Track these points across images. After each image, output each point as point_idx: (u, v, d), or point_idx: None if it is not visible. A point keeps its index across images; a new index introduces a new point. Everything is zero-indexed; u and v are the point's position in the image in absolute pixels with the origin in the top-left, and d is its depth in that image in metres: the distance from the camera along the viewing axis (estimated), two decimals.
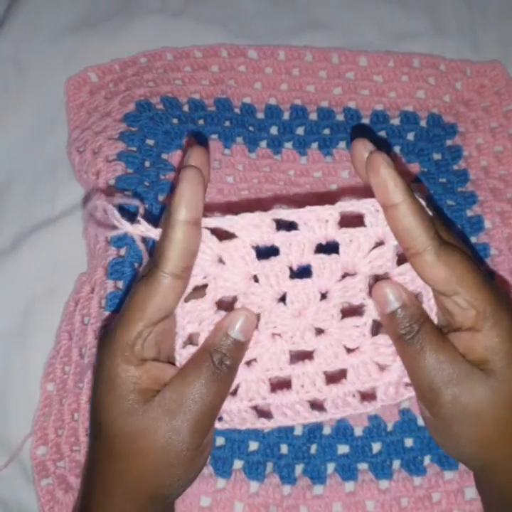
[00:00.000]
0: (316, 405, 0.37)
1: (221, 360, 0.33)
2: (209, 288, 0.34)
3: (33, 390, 0.51)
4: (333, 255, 0.34)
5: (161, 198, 0.55)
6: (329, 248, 0.34)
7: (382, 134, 0.59)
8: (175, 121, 0.58)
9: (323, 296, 0.35)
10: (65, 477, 0.49)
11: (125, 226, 0.32)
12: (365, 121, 0.59)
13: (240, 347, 0.34)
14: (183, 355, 0.35)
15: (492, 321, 0.33)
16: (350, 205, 0.33)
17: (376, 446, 0.50)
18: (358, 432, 0.51)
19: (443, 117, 0.59)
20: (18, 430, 0.51)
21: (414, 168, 0.57)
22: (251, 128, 0.59)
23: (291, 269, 0.34)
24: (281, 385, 0.37)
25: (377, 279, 0.36)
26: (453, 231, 0.37)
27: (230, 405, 0.36)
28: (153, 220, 0.33)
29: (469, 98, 0.60)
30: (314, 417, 0.36)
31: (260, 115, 0.60)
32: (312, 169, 0.57)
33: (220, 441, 0.50)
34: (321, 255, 0.34)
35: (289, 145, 0.59)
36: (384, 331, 0.36)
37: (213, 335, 0.35)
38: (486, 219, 0.55)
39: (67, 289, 0.54)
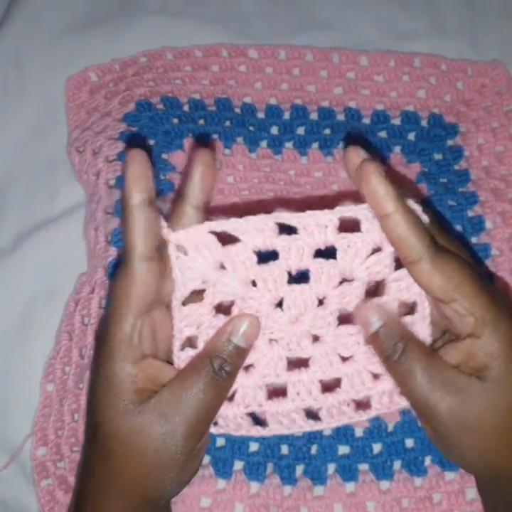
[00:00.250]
0: (311, 414, 0.36)
1: (221, 366, 0.33)
2: (207, 292, 0.34)
3: (32, 391, 0.51)
4: (332, 260, 0.34)
5: (161, 198, 0.55)
6: (328, 254, 0.34)
7: (383, 134, 0.59)
8: (175, 121, 0.58)
9: (320, 302, 0.35)
10: (65, 478, 0.49)
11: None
12: (366, 121, 0.59)
13: (241, 353, 0.34)
14: (181, 357, 0.35)
15: (491, 327, 0.32)
16: (348, 211, 0.33)
17: (377, 447, 0.50)
18: (359, 432, 0.50)
19: (444, 117, 0.59)
20: (18, 431, 0.51)
21: (415, 168, 0.57)
22: (251, 128, 0.59)
23: (290, 274, 0.34)
24: (277, 392, 0.37)
25: (376, 286, 0.36)
26: (453, 234, 0.37)
27: (226, 410, 0.36)
28: None
29: (470, 98, 0.60)
30: (309, 426, 0.36)
31: (261, 115, 0.60)
32: (313, 169, 0.57)
33: (220, 442, 0.50)
34: (320, 260, 0.34)
35: (289, 145, 0.58)
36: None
37: (215, 340, 0.34)
38: (487, 219, 0.55)
39: (67, 289, 0.54)
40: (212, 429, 0.36)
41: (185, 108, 0.59)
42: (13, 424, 0.51)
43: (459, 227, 0.55)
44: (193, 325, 0.34)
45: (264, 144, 0.58)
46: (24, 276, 0.55)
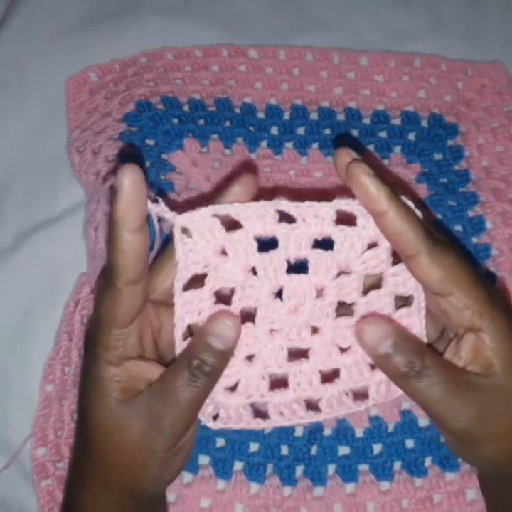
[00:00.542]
0: (311, 405, 0.37)
1: (198, 367, 0.33)
2: (208, 278, 0.34)
3: (32, 391, 0.51)
4: (329, 252, 0.34)
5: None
6: (326, 246, 0.34)
7: (383, 134, 0.59)
8: (175, 121, 0.58)
9: (319, 293, 0.35)
10: (64, 478, 0.49)
11: (168, 214, 0.33)
12: (366, 121, 0.59)
13: (219, 355, 0.34)
14: (184, 347, 0.35)
15: (488, 320, 0.32)
16: (345, 204, 0.33)
17: (377, 448, 0.50)
18: (359, 433, 0.50)
19: (444, 117, 0.59)
20: (18, 431, 0.50)
21: (415, 168, 0.57)
22: (251, 128, 0.59)
23: (289, 263, 0.35)
24: (278, 384, 0.37)
25: (376, 280, 0.36)
26: (453, 234, 0.37)
27: (228, 400, 0.36)
28: None
29: (470, 98, 0.60)
30: (309, 416, 0.36)
31: (261, 115, 0.60)
32: (313, 169, 0.57)
33: (220, 442, 0.50)
34: (318, 250, 0.34)
35: (289, 145, 0.58)
36: None
37: (194, 339, 0.34)
38: (488, 219, 0.55)
39: (67, 289, 0.54)
40: (212, 424, 0.36)
41: (185, 108, 0.59)
42: (12, 424, 0.51)
43: (459, 228, 0.55)
44: (194, 312, 0.34)
45: (264, 144, 0.58)
46: (24, 277, 0.55)
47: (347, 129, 0.58)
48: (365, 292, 0.35)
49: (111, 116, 0.58)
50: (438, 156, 0.58)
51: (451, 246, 0.33)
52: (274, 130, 0.59)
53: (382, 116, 0.59)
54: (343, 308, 0.36)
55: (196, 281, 0.35)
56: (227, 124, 0.58)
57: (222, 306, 0.35)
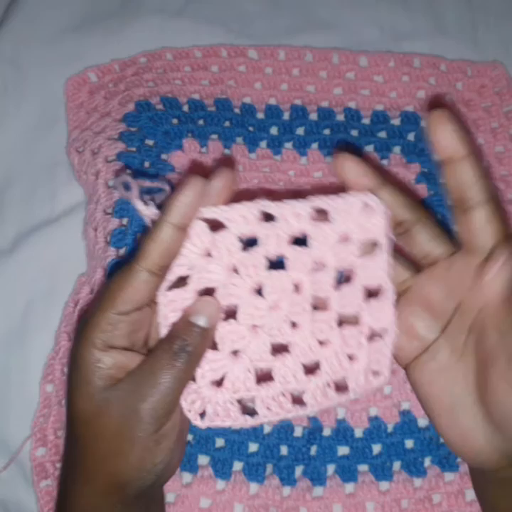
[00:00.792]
0: (297, 400, 0.37)
1: (181, 347, 0.33)
2: (192, 278, 0.35)
3: (32, 391, 0.51)
4: (305, 247, 0.36)
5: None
6: (303, 243, 0.36)
7: (383, 134, 0.59)
8: (175, 121, 0.58)
9: (296, 288, 0.37)
10: None
11: (138, 205, 0.34)
12: (366, 121, 0.59)
13: (201, 333, 0.34)
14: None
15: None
16: (319, 201, 0.36)
17: (376, 448, 0.50)
18: (358, 433, 0.50)
19: None
20: (17, 431, 0.51)
21: (415, 168, 0.57)
22: (251, 128, 0.59)
23: (269, 261, 0.36)
24: (263, 379, 0.37)
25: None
26: (448, 232, 0.38)
27: (215, 395, 0.36)
28: None
29: (470, 98, 0.60)
30: (296, 410, 0.37)
31: (260, 115, 0.60)
32: (312, 169, 0.57)
33: (219, 442, 0.50)
34: (295, 247, 0.36)
35: (289, 145, 0.58)
36: (348, 322, 0.38)
37: (175, 323, 0.35)
38: None
39: (66, 289, 0.54)
40: (199, 423, 0.36)
41: (185, 108, 0.59)
42: (12, 424, 0.51)
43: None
44: (178, 310, 0.35)
45: (263, 144, 0.58)
46: (24, 277, 0.55)
47: (346, 129, 0.58)
48: (337, 286, 0.37)
49: (110, 116, 0.58)
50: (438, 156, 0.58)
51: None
52: (274, 130, 0.59)
53: (382, 116, 0.59)
54: (319, 303, 0.37)
55: (181, 279, 0.35)
56: (227, 124, 0.58)
57: None
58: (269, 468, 0.50)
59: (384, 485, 0.50)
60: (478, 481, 0.41)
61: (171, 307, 0.35)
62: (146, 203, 0.34)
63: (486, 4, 0.65)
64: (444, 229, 0.39)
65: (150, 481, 0.35)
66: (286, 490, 0.49)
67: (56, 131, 0.59)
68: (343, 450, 0.50)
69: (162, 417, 0.33)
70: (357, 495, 0.49)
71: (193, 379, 0.36)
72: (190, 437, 0.50)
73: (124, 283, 0.33)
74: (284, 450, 0.50)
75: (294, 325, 0.37)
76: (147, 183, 0.36)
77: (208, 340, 0.35)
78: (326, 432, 0.50)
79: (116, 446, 0.33)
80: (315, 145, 0.58)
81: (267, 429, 0.50)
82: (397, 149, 0.58)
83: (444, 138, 0.34)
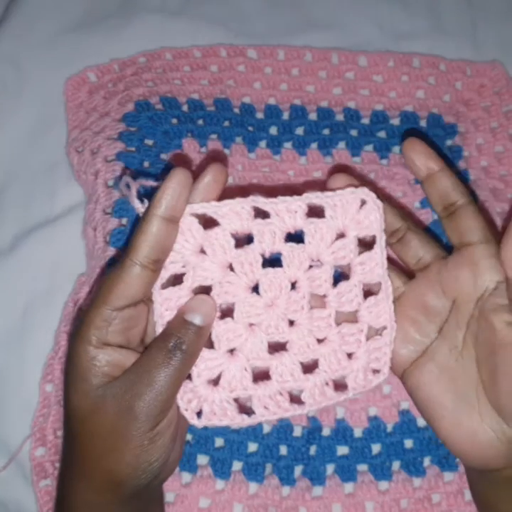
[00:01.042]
0: (294, 399, 0.37)
1: (176, 345, 0.34)
2: (187, 276, 0.35)
3: (31, 391, 0.51)
4: (301, 245, 0.36)
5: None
6: (298, 240, 0.36)
7: (382, 134, 0.59)
8: (174, 121, 0.58)
9: (293, 286, 0.37)
10: None
11: (136, 204, 0.34)
12: (365, 121, 0.59)
13: (197, 331, 0.34)
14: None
15: None
16: (315, 197, 0.35)
17: (376, 448, 0.50)
18: (358, 433, 0.50)
19: (443, 117, 0.59)
20: (17, 431, 0.50)
21: None
22: (250, 128, 0.59)
23: (264, 258, 0.36)
24: (260, 377, 0.37)
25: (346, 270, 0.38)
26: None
27: (212, 394, 0.36)
28: None
29: (469, 98, 0.60)
30: (293, 409, 0.37)
31: (260, 115, 0.60)
32: (312, 169, 0.57)
33: (219, 442, 0.50)
34: (291, 244, 0.36)
35: (288, 145, 0.58)
36: (347, 320, 0.38)
37: (170, 321, 0.35)
38: None
39: (66, 289, 0.54)
40: (196, 422, 0.36)
41: (184, 108, 0.59)
42: (11, 424, 0.51)
43: None
44: (173, 309, 0.35)
45: (263, 144, 0.58)
46: (23, 277, 0.55)
47: (346, 129, 0.58)
48: (335, 284, 0.37)
49: (110, 116, 0.58)
50: None
51: None
52: (273, 130, 0.59)
53: (381, 116, 0.59)
54: (316, 301, 0.37)
55: (177, 275, 0.35)
56: (226, 124, 0.58)
57: None
58: (269, 468, 0.50)
59: (383, 485, 0.50)
60: (478, 484, 0.41)
61: (166, 305, 0.35)
62: (144, 203, 0.34)
63: (485, 4, 0.65)
64: (433, 236, 0.41)
65: (146, 480, 0.35)
66: (286, 490, 0.49)
67: (55, 131, 0.59)
68: (342, 450, 0.50)
69: (157, 416, 0.33)
70: (356, 495, 0.49)
71: (190, 378, 0.36)
72: (189, 437, 0.50)
73: (117, 278, 0.33)
74: (283, 450, 0.50)
75: (291, 323, 0.37)
76: (148, 183, 0.36)
77: (203, 339, 0.35)
78: (326, 431, 0.50)
79: (111, 443, 0.33)
80: (314, 145, 0.58)
81: (266, 429, 0.50)
82: (396, 149, 0.58)
83: (418, 159, 0.38)
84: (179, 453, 0.38)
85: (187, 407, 0.36)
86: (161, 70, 0.61)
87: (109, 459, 0.34)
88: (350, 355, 0.38)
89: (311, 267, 0.36)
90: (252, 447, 0.50)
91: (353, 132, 0.58)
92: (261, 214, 0.35)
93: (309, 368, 0.37)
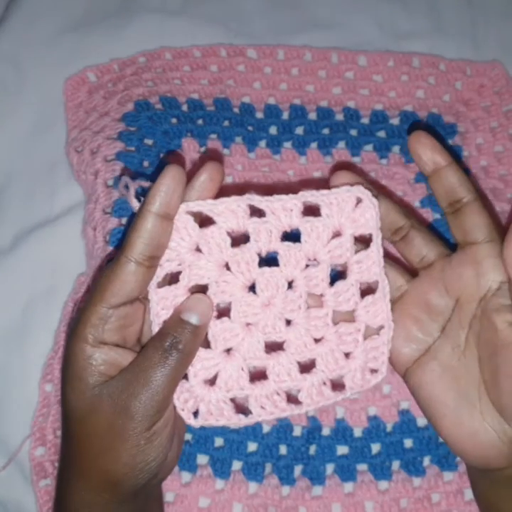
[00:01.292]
0: (292, 399, 0.37)
1: (172, 344, 0.34)
2: (183, 275, 0.35)
3: (31, 391, 0.51)
4: (298, 244, 0.36)
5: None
6: (295, 239, 0.36)
7: (382, 133, 0.59)
8: (174, 121, 0.58)
9: (290, 285, 0.37)
10: None
11: (133, 202, 0.35)
12: (365, 120, 0.59)
13: (193, 331, 0.34)
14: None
15: None
16: (310, 196, 0.35)
17: (375, 447, 0.50)
18: (358, 432, 0.50)
19: (443, 117, 0.59)
20: (17, 431, 0.51)
21: (414, 168, 0.57)
22: (250, 128, 0.59)
23: (260, 257, 0.36)
24: (257, 377, 0.37)
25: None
26: (448, 231, 0.39)
27: (208, 394, 0.36)
28: None
29: (469, 98, 0.60)
30: (291, 409, 0.37)
31: (259, 115, 0.60)
32: (311, 169, 0.57)
33: (218, 442, 0.50)
34: (287, 243, 0.36)
35: (288, 145, 0.58)
36: (344, 319, 0.37)
37: (167, 321, 0.35)
38: None
39: (66, 289, 0.54)
40: (192, 422, 0.36)
41: (184, 108, 0.59)
42: (11, 424, 0.51)
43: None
44: (169, 308, 0.35)
45: (262, 143, 0.58)
46: (23, 276, 0.55)
47: (346, 128, 0.58)
48: (331, 283, 0.37)
49: (109, 116, 0.58)
50: None
51: None
52: (273, 130, 0.59)
53: (381, 115, 0.59)
54: (313, 300, 0.37)
55: (173, 274, 0.35)
56: (226, 123, 0.58)
57: None
58: (269, 467, 0.50)
59: (383, 484, 0.49)
60: (480, 483, 0.41)
61: (162, 304, 0.35)
62: (137, 198, 0.35)
63: (485, 4, 0.65)
64: (436, 234, 0.40)
65: (144, 479, 0.35)
66: (286, 489, 0.49)
67: (55, 131, 0.59)
68: (342, 450, 0.50)
69: (153, 415, 0.33)
70: (356, 494, 0.49)
71: (186, 378, 0.36)
72: (189, 437, 0.50)
73: (112, 275, 0.33)
74: (283, 449, 0.50)
75: (288, 322, 0.37)
76: (147, 184, 0.36)
77: (199, 338, 0.35)
78: (325, 431, 0.50)
79: (108, 443, 0.33)
80: (314, 144, 0.58)
81: (266, 429, 0.50)
82: (396, 149, 0.58)
83: (425, 153, 0.37)
84: (178, 452, 0.38)
85: (183, 407, 0.36)
86: (160, 70, 0.61)
87: (106, 458, 0.34)
88: (347, 355, 0.37)
89: (307, 266, 0.36)
90: (252, 447, 0.50)
91: (353, 132, 0.58)
92: (257, 213, 0.35)
93: (306, 367, 0.37)
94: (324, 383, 0.37)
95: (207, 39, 0.62)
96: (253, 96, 0.60)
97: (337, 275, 0.38)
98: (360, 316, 0.37)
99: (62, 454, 0.37)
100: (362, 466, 0.50)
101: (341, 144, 0.58)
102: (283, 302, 0.36)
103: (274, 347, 0.37)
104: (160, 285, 0.35)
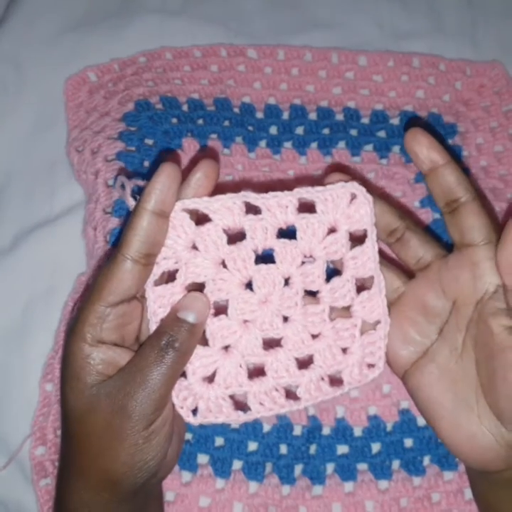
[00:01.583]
0: (290, 395, 0.37)
1: (169, 342, 0.34)
2: (179, 273, 0.35)
3: (31, 391, 0.51)
4: (293, 240, 0.36)
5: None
6: (290, 236, 0.36)
7: (382, 133, 0.59)
8: (174, 120, 0.58)
9: (286, 282, 0.37)
10: None
11: (129, 201, 0.35)
12: (365, 120, 0.59)
13: (190, 329, 0.34)
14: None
15: None
16: (305, 192, 0.35)
17: (375, 447, 0.50)
18: (358, 432, 0.50)
19: (443, 117, 0.59)
20: (17, 430, 0.51)
21: (414, 167, 0.57)
22: (250, 128, 0.59)
23: (256, 254, 0.36)
24: (255, 374, 0.37)
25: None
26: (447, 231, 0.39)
27: (207, 392, 0.36)
28: None
29: (469, 98, 0.60)
30: (289, 405, 0.37)
31: (260, 115, 0.60)
32: (311, 169, 0.57)
33: (219, 441, 0.50)
34: (283, 240, 0.36)
35: (288, 145, 0.58)
36: (341, 315, 0.38)
37: (164, 318, 0.35)
38: None
39: (66, 289, 0.54)
40: (191, 420, 0.36)
41: (184, 108, 0.59)
42: (11, 423, 0.51)
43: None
44: (167, 306, 0.35)
45: (263, 143, 0.58)
46: (23, 276, 0.55)
47: (346, 128, 0.58)
48: (327, 280, 0.37)
49: (110, 115, 0.58)
50: None
51: None
52: (273, 130, 0.59)
53: (381, 115, 0.59)
54: (309, 297, 0.37)
55: (170, 272, 0.36)
56: (226, 123, 0.59)
57: None
58: (269, 467, 0.50)
59: (383, 484, 0.50)
60: (478, 484, 0.41)
61: (159, 303, 0.35)
62: (134, 197, 0.35)
63: (485, 4, 0.65)
64: (433, 235, 0.40)
65: (143, 478, 0.35)
66: (286, 489, 0.50)
67: (56, 131, 0.59)
68: (342, 449, 0.50)
69: (150, 414, 0.33)
70: (356, 494, 0.49)
71: (185, 375, 0.36)
72: (189, 436, 0.50)
73: (109, 274, 0.33)
74: (283, 449, 0.50)
75: (285, 319, 0.37)
76: (144, 183, 0.36)
77: (197, 337, 0.35)
78: (326, 430, 0.51)
79: (106, 443, 0.33)
80: (314, 144, 0.58)
81: (266, 428, 0.50)
82: (396, 149, 0.58)
83: (421, 151, 0.37)
84: (177, 451, 0.38)
85: (182, 404, 0.36)
86: (161, 70, 0.61)
87: (105, 458, 0.34)
88: (345, 350, 0.38)
89: (303, 262, 0.37)
90: (252, 446, 0.50)
91: (353, 132, 0.58)
92: (252, 210, 0.35)
93: (304, 363, 0.37)
94: (322, 379, 0.37)
95: (207, 39, 0.62)
96: (253, 96, 0.60)
97: (333, 272, 0.38)
98: (356, 311, 0.38)
99: (61, 454, 0.37)
100: (362, 466, 0.50)
101: (341, 144, 0.58)
102: (280, 299, 0.36)
103: (271, 343, 0.37)
104: (157, 283, 0.35)
